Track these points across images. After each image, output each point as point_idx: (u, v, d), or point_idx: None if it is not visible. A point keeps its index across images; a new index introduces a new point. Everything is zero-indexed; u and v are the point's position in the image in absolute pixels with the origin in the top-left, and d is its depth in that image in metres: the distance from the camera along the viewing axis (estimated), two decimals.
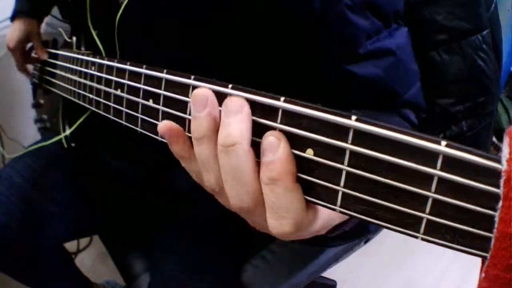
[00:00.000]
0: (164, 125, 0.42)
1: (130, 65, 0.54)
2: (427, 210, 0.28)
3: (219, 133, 0.36)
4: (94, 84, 0.67)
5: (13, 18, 1.08)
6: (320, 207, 0.37)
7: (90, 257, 1.68)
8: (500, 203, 0.25)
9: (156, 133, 0.49)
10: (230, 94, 0.38)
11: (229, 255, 0.97)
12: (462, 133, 0.84)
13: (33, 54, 1.14)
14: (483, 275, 0.26)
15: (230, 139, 0.35)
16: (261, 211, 0.37)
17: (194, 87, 0.42)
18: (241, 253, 1.01)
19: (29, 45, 1.12)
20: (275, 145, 0.34)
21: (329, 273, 1.35)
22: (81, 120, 0.87)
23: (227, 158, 0.36)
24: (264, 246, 1.02)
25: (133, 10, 0.71)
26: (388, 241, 1.71)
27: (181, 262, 0.93)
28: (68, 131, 0.93)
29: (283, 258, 0.99)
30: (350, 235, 0.51)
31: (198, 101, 0.38)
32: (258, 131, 0.36)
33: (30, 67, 1.17)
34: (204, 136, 0.38)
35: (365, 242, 1.06)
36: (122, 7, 0.71)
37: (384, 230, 0.34)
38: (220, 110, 0.37)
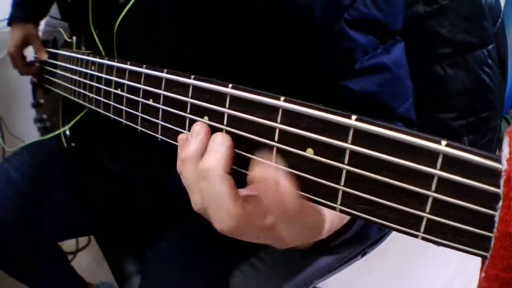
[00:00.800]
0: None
1: (130, 64, 0.54)
2: (428, 209, 0.28)
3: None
4: (94, 83, 0.67)
5: (9, 23, 1.09)
6: (325, 209, 0.36)
7: (87, 258, 1.67)
8: (500, 203, 0.25)
9: (156, 132, 0.49)
10: (233, 95, 0.38)
11: (219, 260, 0.97)
12: None
13: (32, 58, 1.15)
14: (483, 274, 0.25)
15: (206, 165, 0.38)
16: (247, 230, 0.39)
17: (195, 87, 0.42)
18: (231, 259, 1.00)
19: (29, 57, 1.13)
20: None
21: (328, 286, 1.34)
22: (80, 115, 0.87)
23: (204, 182, 0.39)
24: (254, 253, 1.01)
25: (135, 12, 0.71)
26: (389, 254, 1.69)
27: (172, 265, 0.92)
28: (67, 126, 0.93)
29: (271, 266, 0.99)
30: (351, 243, 0.51)
31: (194, 131, 0.42)
32: (262, 131, 0.36)
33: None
34: (188, 158, 0.41)
35: (362, 255, 1.05)
36: (125, 9, 0.71)
37: (384, 243, 0.33)
38: None
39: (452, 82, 0.82)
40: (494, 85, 0.83)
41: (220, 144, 0.39)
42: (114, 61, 0.60)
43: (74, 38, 0.89)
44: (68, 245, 1.47)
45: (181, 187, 0.44)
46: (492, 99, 0.84)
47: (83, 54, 0.75)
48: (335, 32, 0.61)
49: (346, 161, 0.31)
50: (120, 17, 0.72)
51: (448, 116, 0.83)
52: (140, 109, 0.52)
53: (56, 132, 0.95)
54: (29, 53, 1.15)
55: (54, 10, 1.13)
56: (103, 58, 0.64)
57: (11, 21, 1.09)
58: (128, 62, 0.54)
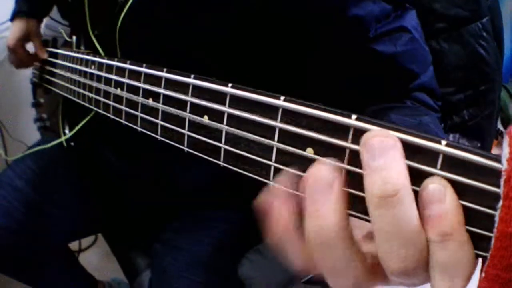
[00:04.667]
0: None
1: (130, 64, 0.54)
2: None
3: (371, 184, 0.29)
4: (94, 83, 0.67)
5: (12, 18, 1.08)
6: None
7: (96, 255, 1.68)
8: (500, 203, 0.25)
9: (156, 132, 0.49)
10: (233, 95, 0.38)
11: (227, 248, 0.98)
12: (463, 122, 0.84)
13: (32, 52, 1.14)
14: (483, 275, 0.26)
15: (390, 186, 0.28)
16: (422, 270, 0.29)
17: (194, 86, 0.42)
18: (238, 247, 1.01)
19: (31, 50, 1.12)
20: (442, 193, 0.27)
21: None
22: (82, 124, 0.87)
23: (386, 212, 0.28)
24: (261, 240, 1.02)
25: (136, 10, 0.70)
26: None
27: (180, 256, 0.94)
28: (68, 135, 0.92)
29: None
30: None
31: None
32: (262, 131, 0.36)
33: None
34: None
35: None
36: (126, 7, 0.70)
37: None
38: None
39: (449, 57, 0.82)
40: (490, 58, 0.84)
41: (393, 147, 0.28)
42: (113, 60, 0.60)
43: (74, 37, 0.89)
44: (74, 242, 1.48)
45: (185, 182, 0.43)
46: (489, 71, 0.84)
47: (82, 53, 0.75)
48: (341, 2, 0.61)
49: (346, 160, 0.32)
50: (122, 16, 0.71)
51: (446, 90, 0.83)
52: (139, 109, 0.52)
53: (58, 141, 0.95)
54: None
55: (54, 12, 1.12)
56: (102, 58, 0.64)
57: (15, 15, 1.07)
58: (128, 62, 0.54)
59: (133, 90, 0.53)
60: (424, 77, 0.66)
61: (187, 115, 0.43)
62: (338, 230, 0.30)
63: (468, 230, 0.27)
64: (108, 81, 0.61)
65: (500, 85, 0.89)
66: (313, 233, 0.30)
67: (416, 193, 0.28)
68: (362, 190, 0.30)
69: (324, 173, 0.30)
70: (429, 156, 0.28)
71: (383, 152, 0.28)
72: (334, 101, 0.36)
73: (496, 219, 0.25)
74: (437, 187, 0.27)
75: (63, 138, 0.93)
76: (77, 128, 0.88)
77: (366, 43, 0.63)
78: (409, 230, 0.28)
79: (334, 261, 0.30)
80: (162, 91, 0.47)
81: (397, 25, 0.64)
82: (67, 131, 0.94)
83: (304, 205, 0.31)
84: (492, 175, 0.26)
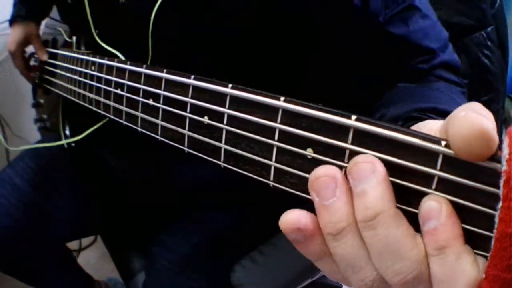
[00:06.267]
0: (290, 222, 0.32)
1: (130, 64, 0.54)
2: None
3: (355, 208, 0.30)
4: (94, 83, 0.67)
5: (11, 23, 1.09)
6: None
7: (95, 254, 1.69)
8: (500, 204, 0.25)
9: (156, 132, 0.49)
10: (233, 96, 0.38)
11: (221, 254, 0.98)
12: None
13: (32, 62, 1.15)
14: (483, 276, 0.26)
15: (370, 211, 0.29)
16: (425, 279, 0.29)
17: (194, 87, 0.42)
18: (233, 253, 1.01)
19: (28, 52, 1.13)
20: (437, 210, 0.28)
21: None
22: (87, 132, 0.87)
23: (373, 233, 0.30)
24: (254, 247, 1.01)
25: (166, 9, 0.69)
26: None
27: (174, 259, 0.94)
28: (73, 139, 0.92)
29: (272, 260, 0.99)
30: None
31: (324, 185, 0.31)
32: (262, 131, 0.36)
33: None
34: (345, 227, 0.31)
35: None
36: (158, 3, 0.69)
37: None
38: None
39: None
40: (495, 68, 0.83)
41: (372, 173, 0.29)
42: (113, 61, 0.60)
43: (74, 38, 0.89)
44: (74, 242, 1.48)
45: (183, 185, 0.43)
46: (493, 81, 0.84)
47: (83, 54, 0.76)
48: None
49: (346, 160, 0.31)
50: (153, 15, 0.70)
51: None
52: (140, 109, 0.52)
53: (60, 143, 0.95)
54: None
55: (53, 11, 1.13)
56: (103, 59, 0.64)
57: (13, 20, 1.08)
58: (128, 62, 0.54)
59: (134, 90, 0.53)
60: (444, 55, 0.63)
61: (187, 115, 0.43)
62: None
63: (468, 230, 0.27)
64: (108, 82, 0.61)
65: (504, 95, 0.89)
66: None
67: (419, 195, 0.29)
68: None
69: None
70: (429, 157, 0.28)
71: (364, 178, 0.29)
72: (340, 99, 0.36)
73: (496, 219, 0.25)
74: (433, 204, 0.28)
75: (64, 142, 0.93)
76: (84, 134, 0.88)
77: (378, 28, 0.62)
78: (399, 247, 0.29)
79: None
80: (162, 92, 0.47)
81: (406, 4, 0.62)
82: (67, 131, 0.95)
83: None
84: (491, 176, 0.25)
